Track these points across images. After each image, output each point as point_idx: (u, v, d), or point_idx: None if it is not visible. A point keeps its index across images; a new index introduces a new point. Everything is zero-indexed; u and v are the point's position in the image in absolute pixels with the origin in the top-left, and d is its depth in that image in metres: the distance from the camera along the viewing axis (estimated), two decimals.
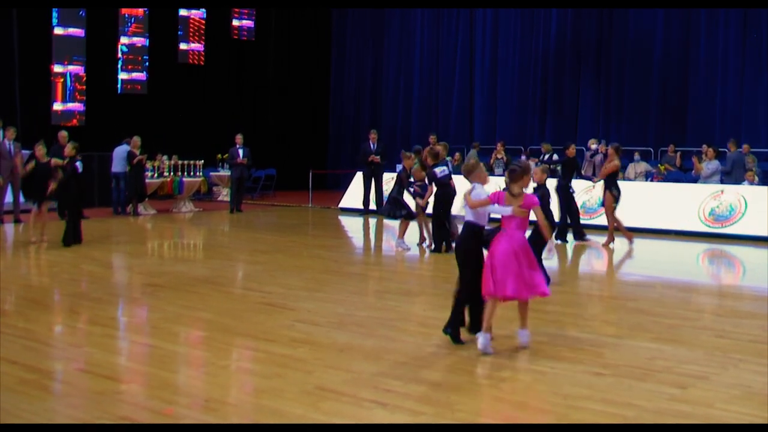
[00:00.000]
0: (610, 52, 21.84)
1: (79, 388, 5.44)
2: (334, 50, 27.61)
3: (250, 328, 7.04)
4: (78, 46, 21.07)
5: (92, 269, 10.32)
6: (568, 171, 13.44)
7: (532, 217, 6.35)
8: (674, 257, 12.75)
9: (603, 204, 13.13)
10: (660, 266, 11.62)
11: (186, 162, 18.72)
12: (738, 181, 15.61)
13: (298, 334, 6.79)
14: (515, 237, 6.11)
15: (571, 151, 13.85)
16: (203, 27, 24.03)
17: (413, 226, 12.72)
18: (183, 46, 23.63)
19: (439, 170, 11.90)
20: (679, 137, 20.27)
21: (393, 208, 12.32)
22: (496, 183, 7.79)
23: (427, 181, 12.26)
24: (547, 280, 8.92)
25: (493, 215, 6.41)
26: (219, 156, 20.46)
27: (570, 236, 13.29)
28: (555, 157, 14.82)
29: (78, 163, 12.10)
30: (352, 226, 16.64)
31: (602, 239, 13.10)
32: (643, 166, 18.81)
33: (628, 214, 15.06)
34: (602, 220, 14.44)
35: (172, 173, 18.53)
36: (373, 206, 17.68)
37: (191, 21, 23.78)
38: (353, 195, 18.72)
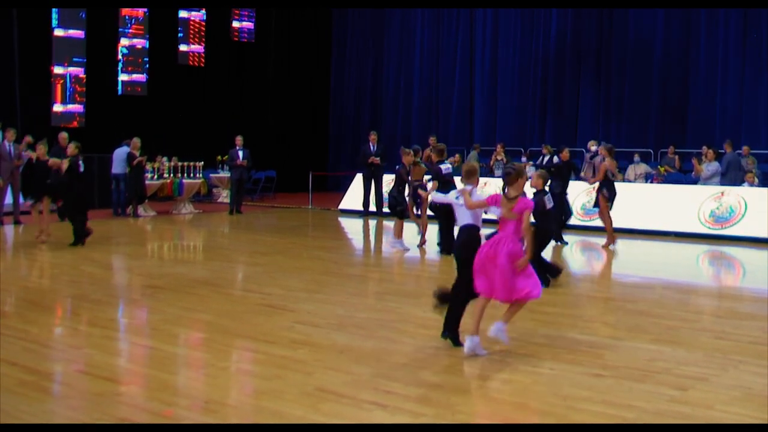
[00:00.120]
0: (610, 53, 21.85)
1: (79, 389, 5.44)
2: (334, 52, 27.62)
3: (249, 330, 7.04)
4: (78, 47, 21.08)
5: (92, 271, 10.32)
6: (563, 175, 13.42)
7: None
8: (674, 259, 12.75)
9: (598, 205, 13.13)
10: (659, 268, 11.63)
11: (186, 163, 18.71)
12: (734, 182, 15.62)
13: (297, 336, 6.79)
14: (504, 241, 6.06)
15: (565, 155, 13.85)
16: (203, 29, 24.04)
17: (411, 226, 12.74)
18: (183, 47, 23.63)
19: (444, 167, 11.97)
20: (679, 138, 20.27)
21: (397, 207, 12.34)
22: (497, 185, 7.80)
23: (423, 180, 12.31)
24: (546, 281, 8.95)
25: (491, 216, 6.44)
26: (219, 157, 20.47)
27: (571, 239, 13.31)
28: (555, 159, 14.83)
29: (80, 162, 12.19)
30: (352, 227, 16.64)
31: (602, 240, 13.10)
32: (642, 168, 18.81)
33: (628, 215, 15.09)
34: (601, 222, 14.46)
35: (172, 175, 18.53)
36: (373, 208, 17.67)
37: (191, 23, 23.79)
38: (353, 196, 18.72)
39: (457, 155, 19.69)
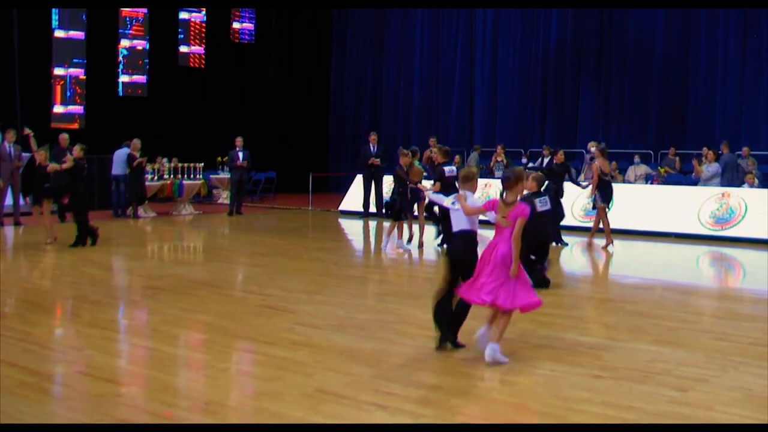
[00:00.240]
0: (610, 54, 21.86)
1: (79, 390, 5.44)
2: (334, 53, 27.63)
3: (249, 331, 7.04)
4: (78, 48, 21.10)
5: (92, 272, 10.32)
6: (557, 177, 13.43)
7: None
8: (674, 260, 12.75)
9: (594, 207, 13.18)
10: (659, 269, 11.63)
11: (186, 165, 18.72)
12: (731, 183, 15.63)
13: (298, 337, 6.79)
14: (499, 246, 6.03)
15: (560, 157, 13.85)
16: (204, 30, 24.05)
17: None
18: (183, 48, 23.65)
19: (448, 169, 12.00)
20: (678, 139, 20.28)
21: (394, 209, 12.34)
22: (498, 186, 7.80)
23: (420, 181, 12.36)
24: (546, 282, 8.95)
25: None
26: (219, 159, 20.48)
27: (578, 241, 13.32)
28: (551, 161, 14.84)
29: (84, 165, 12.29)
30: (352, 228, 16.64)
31: (602, 242, 13.10)
32: (643, 169, 18.82)
33: (628, 216, 15.11)
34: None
35: (172, 176, 18.53)
36: (373, 209, 17.68)
37: (192, 24, 23.80)
38: (353, 198, 18.72)
39: (457, 157, 19.68)
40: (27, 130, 14.77)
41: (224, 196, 20.71)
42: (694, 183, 16.26)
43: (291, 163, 24.48)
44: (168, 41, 23.13)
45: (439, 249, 12.44)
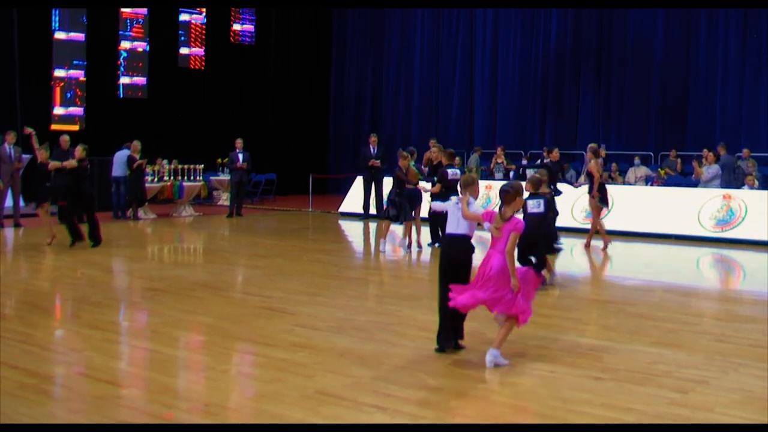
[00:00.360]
0: (610, 55, 21.87)
1: (79, 392, 5.44)
2: (335, 55, 27.64)
3: (250, 333, 7.04)
4: (79, 50, 21.11)
5: (92, 273, 10.32)
6: (552, 175, 13.45)
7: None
8: (674, 261, 12.75)
9: (594, 209, 13.22)
10: (660, 270, 11.63)
11: (186, 166, 18.73)
12: (728, 185, 15.64)
13: (298, 339, 6.79)
14: (494, 256, 6.03)
15: (554, 155, 13.85)
16: (204, 31, 24.07)
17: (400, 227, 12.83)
18: (184, 50, 23.66)
19: (451, 171, 12.02)
20: (679, 141, 20.29)
21: (393, 211, 12.34)
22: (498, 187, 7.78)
23: (417, 183, 12.40)
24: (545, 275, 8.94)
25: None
26: (219, 160, 20.48)
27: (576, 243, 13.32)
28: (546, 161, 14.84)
29: (87, 165, 12.40)
30: (353, 230, 16.64)
31: (602, 243, 13.10)
32: (643, 170, 18.83)
33: (628, 218, 15.12)
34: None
35: (172, 177, 18.54)
36: (373, 210, 17.68)
37: (192, 26, 23.82)
38: (353, 199, 18.72)
39: (457, 159, 19.69)
40: (28, 129, 14.78)
41: (224, 198, 20.71)
42: (694, 185, 16.27)
43: (291, 165, 24.48)
44: (168, 43, 23.14)
45: (430, 247, 12.50)
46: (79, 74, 21.17)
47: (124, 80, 22.30)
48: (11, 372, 5.71)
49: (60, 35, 20.77)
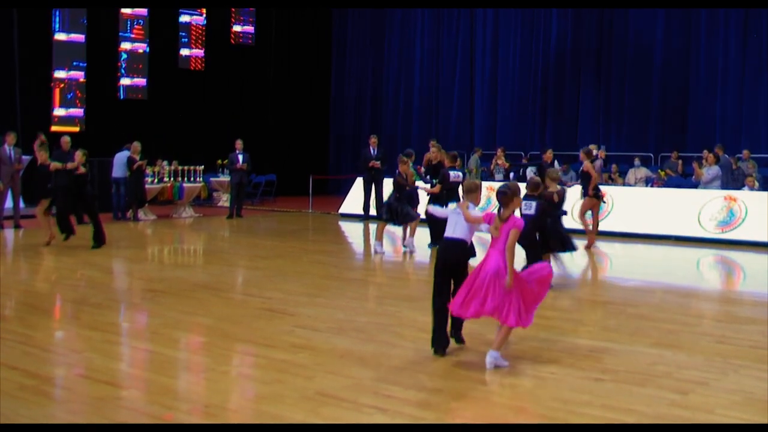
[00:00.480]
0: (610, 56, 21.89)
1: (79, 393, 5.44)
2: (335, 55, 27.66)
3: (250, 334, 7.04)
4: (79, 51, 21.11)
5: (92, 274, 10.32)
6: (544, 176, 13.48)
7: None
8: (674, 263, 12.75)
9: (590, 209, 13.27)
10: (660, 271, 11.63)
11: (186, 167, 18.73)
12: (726, 186, 15.65)
13: (298, 340, 6.79)
14: (492, 256, 6.04)
15: (548, 156, 13.87)
16: (204, 32, 24.08)
17: (394, 229, 12.84)
18: (184, 51, 23.67)
19: (453, 173, 12.02)
20: (679, 140, 20.31)
21: (390, 214, 12.34)
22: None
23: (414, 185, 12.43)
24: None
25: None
26: (219, 161, 20.49)
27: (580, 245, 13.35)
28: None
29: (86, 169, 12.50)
30: (353, 231, 16.63)
31: (603, 245, 13.11)
32: (643, 172, 18.83)
33: (628, 219, 15.12)
34: (603, 226, 14.46)
35: (172, 179, 18.54)
36: (373, 212, 17.67)
37: (192, 27, 23.83)
38: (353, 200, 18.72)
39: (458, 160, 19.68)
40: (43, 138, 14.72)
41: (224, 199, 20.71)
42: (695, 186, 16.27)
43: (291, 166, 24.49)
44: (168, 44, 23.15)
45: (430, 248, 12.52)
46: (79, 75, 21.17)
47: (125, 81, 22.31)
48: (11, 373, 5.71)
49: (60, 36, 20.78)
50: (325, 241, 15.08)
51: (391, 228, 12.97)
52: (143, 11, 22.42)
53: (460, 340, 6.52)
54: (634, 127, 21.37)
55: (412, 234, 12.46)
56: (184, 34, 23.64)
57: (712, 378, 5.82)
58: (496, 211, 6.18)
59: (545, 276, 6.23)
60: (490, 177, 19.38)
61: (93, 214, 12.68)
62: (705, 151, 16.78)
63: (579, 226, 13.43)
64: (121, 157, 17.04)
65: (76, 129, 20.65)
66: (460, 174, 12.14)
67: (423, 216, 12.74)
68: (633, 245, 14.14)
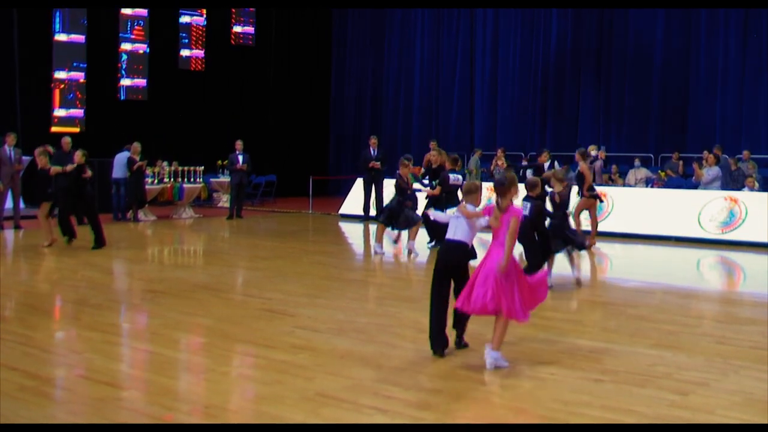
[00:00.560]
0: (610, 57, 21.88)
1: (79, 394, 5.44)
2: (335, 55, 27.66)
3: (250, 335, 7.04)
4: (79, 52, 21.12)
5: (92, 275, 10.32)
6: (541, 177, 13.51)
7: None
8: (674, 263, 12.75)
9: (586, 209, 13.29)
10: (660, 272, 11.63)
11: (186, 168, 18.74)
12: (723, 187, 15.65)
13: (298, 341, 6.79)
14: (495, 251, 6.05)
15: (543, 157, 13.87)
16: (204, 33, 24.08)
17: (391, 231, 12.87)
18: (184, 52, 23.68)
19: (453, 176, 12.02)
20: (679, 143, 20.30)
21: (390, 218, 12.32)
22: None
23: (421, 183, 12.46)
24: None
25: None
26: (219, 162, 20.49)
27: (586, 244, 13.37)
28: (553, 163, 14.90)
29: (86, 170, 12.50)
30: (353, 232, 16.64)
31: (603, 246, 13.11)
32: (643, 172, 18.83)
33: (628, 220, 15.12)
34: (603, 227, 14.47)
35: (172, 179, 18.55)
36: (373, 212, 17.67)
37: (192, 27, 23.83)
38: (354, 201, 18.72)
39: (458, 163, 19.67)
40: (49, 148, 14.67)
41: (224, 200, 20.72)
42: (695, 186, 16.27)
43: (291, 167, 24.49)
44: (169, 45, 23.16)
45: (429, 247, 12.51)
46: (79, 76, 21.18)
47: (125, 82, 22.31)
48: (11, 374, 5.71)
49: (60, 37, 20.78)
50: (325, 241, 15.08)
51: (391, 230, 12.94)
52: (143, 12, 22.44)
53: (461, 344, 6.48)
54: (634, 127, 21.37)
55: (413, 237, 12.44)
56: (184, 34, 23.66)
57: (713, 379, 5.82)
58: (494, 203, 6.21)
59: (542, 277, 6.37)
60: (490, 178, 19.36)
61: (93, 215, 12.69)
62: (705, 152, 16.77)
63: (584, 227, 13.46)
64: (121, 158, 17.05)
65: (77, 130, 20.64)
66: (460, 177, 12.14)
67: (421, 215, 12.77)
68: (633, 246, 14.14)
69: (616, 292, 10.11)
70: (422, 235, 13.05)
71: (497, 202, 6.15)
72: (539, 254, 9.15)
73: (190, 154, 20.16)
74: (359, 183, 18.45)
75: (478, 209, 6.37)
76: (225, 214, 18.63)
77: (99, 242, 12.48)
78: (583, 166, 13.06)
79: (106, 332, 7.15)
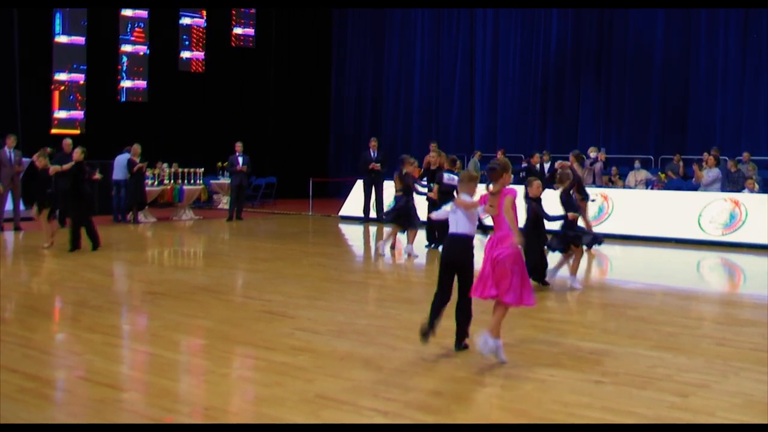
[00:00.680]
0: (610, 59, 21.89)
1: (79, 396, 5.44)
2: (335, 58, 27.67)
3: (250, 336, 7.04)
4: (79, 54, 21.13)
5: (92, 277, 10.32)
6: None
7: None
8: (674, 265, 12.75)
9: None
10: (660, 274, 11.63)
11: (186, 170, 18.74)
12: (721, 188, 15.66)
13: (298, 342, 6.78)
14: (503, 241, 6.08)
15: (535, 159, 13.86)
16: (204, 35, 24.10)
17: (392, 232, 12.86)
18: (184, 54, 23.69)
19: (447, 176, 12.01)
20: (679, 141, 20.31)
21: (397, 218, 12.33)
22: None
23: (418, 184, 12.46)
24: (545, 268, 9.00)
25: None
26: (219, 164, 20.49)
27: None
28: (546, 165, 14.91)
29: (86, 168, 12.46)
30: (353, 234, 16.64)
31: (603, 247, 13.08)
32: (643, 174, 18.82)
33: (628, 221, 15.11)
34: (603, 229, 14.46)
35: (172, 181, 18.55)
36: (373, 214, 17.68)
37: (193, 29, 23.85)
38: (354, 203, 18.72)
39: (458, 162, 19.66)
40: (48, 151, 14.64)
41: (224, 202, 20.72)
42: (695, 188, 16.26)
43: (291, 168, 24.50)
44: (169, 46, 23.17)
45: (428, 247, 12.49)
46: (79, 78, 21.19)
47: (125, 84, 22.32)
48: (11, 376, 5.70)
49: (61, 39, 20.80)
50: (325, 243, 15.08)
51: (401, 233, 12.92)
52: (144, 13, 22.45)
53: (461, 346, 6.47)
54: (634, 128, 21.37)
55: (411, 241, 12.44)
56: (184, 36, 23.67)
57: (713, 380, 5.82)
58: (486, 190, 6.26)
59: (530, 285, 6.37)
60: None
61: (88, 218, 12.57)
62: (705, 154, 16.77)
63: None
64: (121, 160, 17.05)
65: (77, 131, 20.66)
66: (455, 177, 12.12)
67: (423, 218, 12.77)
68: (633, 248, 14.14)
69: (617, 294, 10.10)
70: (422, 235, 13.04)
71: (488, 188, 6.20)
72: (539, 254, 9.20)
73: (190, 155, 20.17)
74: (359, 185, 18.46)
75: (474, 199, 6.38)
76: (225, 215, 18.63)
77: (93, 242, 12.42)
78: (576, 168, 13.02)
79: (106, 334, 7.15)
